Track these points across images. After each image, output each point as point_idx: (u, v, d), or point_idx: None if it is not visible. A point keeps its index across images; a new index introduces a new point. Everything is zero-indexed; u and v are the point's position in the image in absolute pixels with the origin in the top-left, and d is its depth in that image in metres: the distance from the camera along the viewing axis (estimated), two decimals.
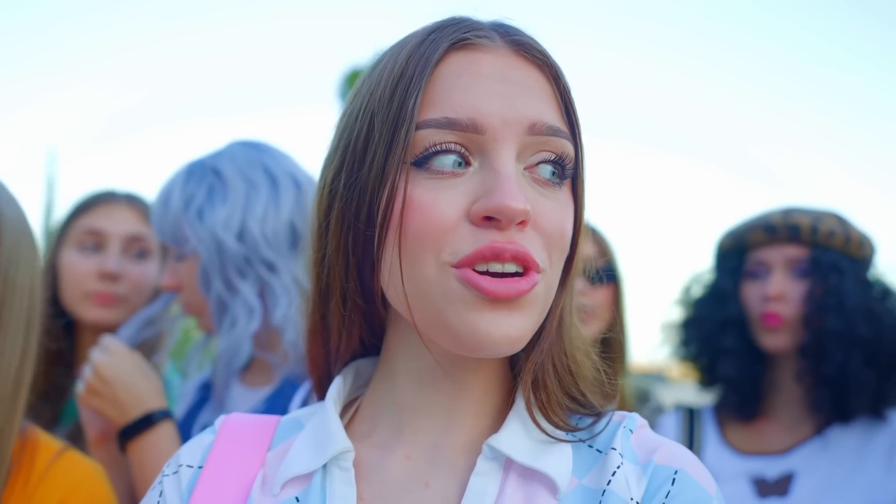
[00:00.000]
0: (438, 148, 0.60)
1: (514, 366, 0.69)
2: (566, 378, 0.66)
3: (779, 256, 1.43)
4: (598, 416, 0.66)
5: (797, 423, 1.44)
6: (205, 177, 1.23)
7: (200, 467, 0.70)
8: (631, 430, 0.66)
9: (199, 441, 0.73)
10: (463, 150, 0.60)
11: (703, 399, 1.60)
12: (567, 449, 0.64)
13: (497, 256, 0.58)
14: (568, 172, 0.64)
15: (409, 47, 0.63)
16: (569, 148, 0.63)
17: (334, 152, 0.67)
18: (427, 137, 0.60)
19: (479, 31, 0.64)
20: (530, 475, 0.63)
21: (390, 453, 0.67)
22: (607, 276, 1.66)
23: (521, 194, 0.58)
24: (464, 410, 0.67)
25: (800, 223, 1.42)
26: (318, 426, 0.69)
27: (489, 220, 0.58)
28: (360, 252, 0.64)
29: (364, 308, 0.68)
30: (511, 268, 0.59)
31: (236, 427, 0.73)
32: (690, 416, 1.55)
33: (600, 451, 0.64)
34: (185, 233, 1.21)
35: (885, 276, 1.44)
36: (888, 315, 1.38)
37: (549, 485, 0.62)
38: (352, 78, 5.76)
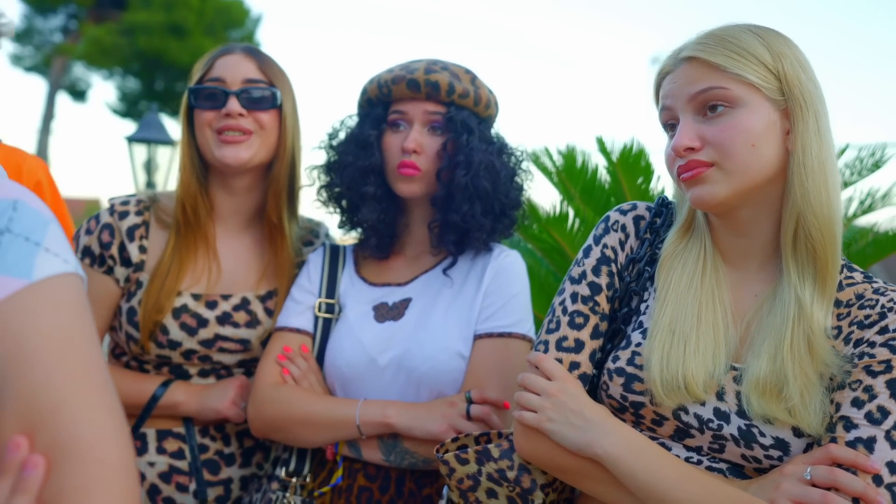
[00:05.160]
0: None
1: None
2: None
3: (419, 111, 1.54)
4: None
5: (419, 259, 1.64)
6: None
7: None
8: None
9: None
10: None
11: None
12: None
13: None
14: None
15: None
16: None
17: None
18: None
19: None
20: None
21: None
22: (271, 99, 1.65)
23: None
24: None
25: (439, 81, 1.53)
26: None
27: None
28: None
29: None
30: None
31: None
32: (334, 251, 1.69)
33: None
34: None
35: (502, 132, 1.64)
36: (504, 168, 1.58)
37: None
38: None
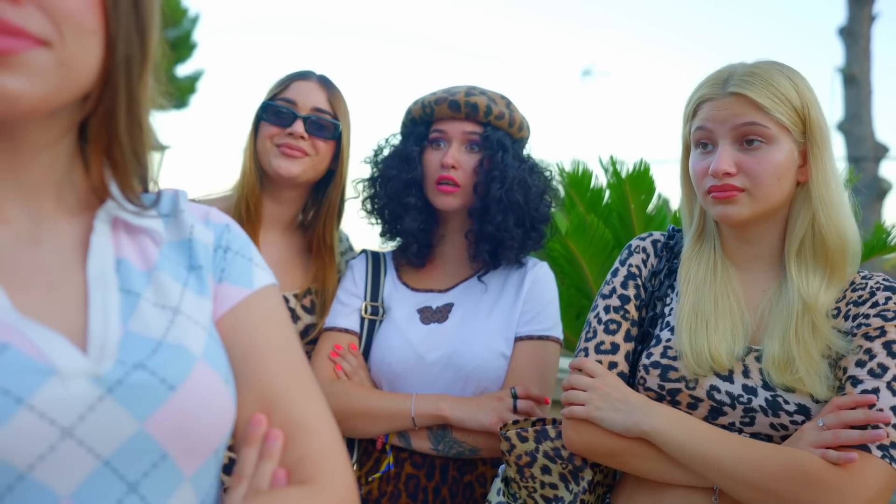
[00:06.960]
0: None
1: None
2: (141, 156, 0.78)
3: (458, 131, 1.69)
4: (149, 190, 0.83)
5: (458, 268, 1.78)
6: None
7: None
8: (186, 199, 0.86)
9: None
10: None
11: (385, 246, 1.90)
12: (155, 214, 0.81)
13: None
14: None
15: None
16: None
17: None
18: None
19: None
20: (135, 231, 0.80)
21: None
22: (332, 130, 1.77)
23: None
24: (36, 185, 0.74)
25: (478, 104, 1.68)
26: None
27: None
28: None
29: None
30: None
31: None
32: (375, 258, 1.83)
33: (167, 215, 0.84)
34: None
35: (533, 153, 1.79)
36: (535, 185, 1.73)
37: (154, 236, 0.80)
38: None
